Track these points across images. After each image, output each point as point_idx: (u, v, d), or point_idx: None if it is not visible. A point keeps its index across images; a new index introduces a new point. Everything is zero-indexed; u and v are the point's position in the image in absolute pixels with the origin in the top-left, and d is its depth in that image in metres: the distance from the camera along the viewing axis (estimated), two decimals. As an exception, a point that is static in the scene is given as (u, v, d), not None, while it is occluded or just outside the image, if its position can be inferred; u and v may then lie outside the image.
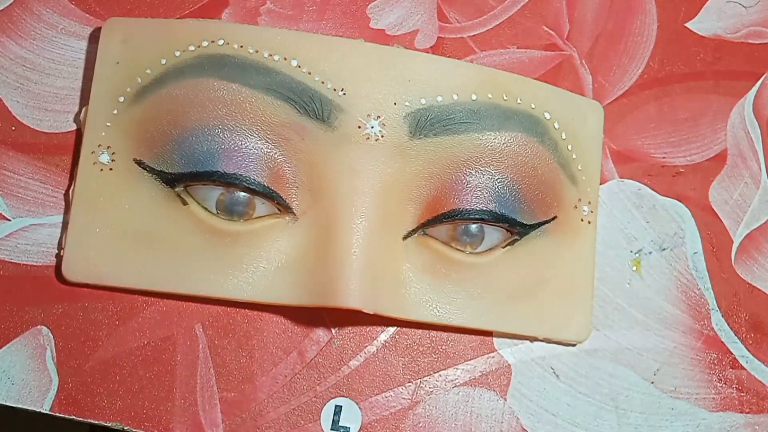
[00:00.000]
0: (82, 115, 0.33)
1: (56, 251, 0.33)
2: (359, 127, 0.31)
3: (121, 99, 0.32)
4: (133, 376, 0.32)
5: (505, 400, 0.34)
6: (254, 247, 0.32)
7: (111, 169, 0.32)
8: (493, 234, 0.32)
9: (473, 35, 0.37)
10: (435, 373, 0.34)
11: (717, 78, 0.38)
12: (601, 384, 0.34)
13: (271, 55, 0.31)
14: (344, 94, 0.31)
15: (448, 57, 0.35)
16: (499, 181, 0.32)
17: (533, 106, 0.32)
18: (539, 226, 0.33)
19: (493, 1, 0.37)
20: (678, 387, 0.35)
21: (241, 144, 0.31)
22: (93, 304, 0.33)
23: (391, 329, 0.34)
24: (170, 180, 0.31)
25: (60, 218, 0.33)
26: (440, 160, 0.31)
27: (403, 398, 0.33)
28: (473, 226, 0.32)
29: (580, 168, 0.34)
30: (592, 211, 0.34)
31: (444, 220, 0.32)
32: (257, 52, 0.31)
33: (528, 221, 0.32)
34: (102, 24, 0.33)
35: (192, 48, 0.31)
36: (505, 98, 0.32)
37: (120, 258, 0.32)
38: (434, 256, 0.32)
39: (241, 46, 0.31)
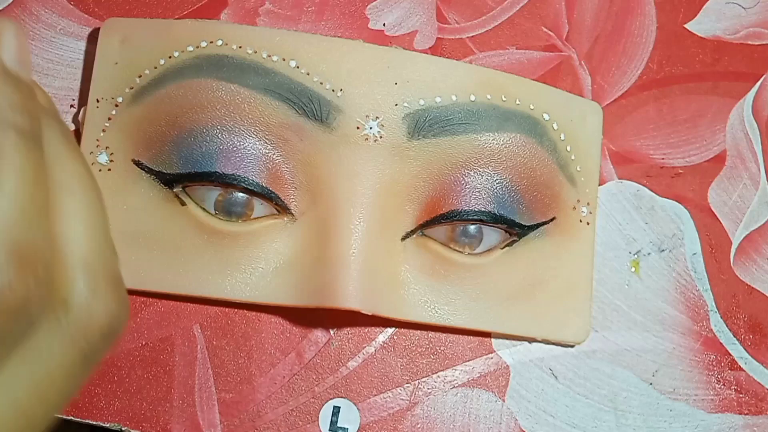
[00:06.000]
0: (80, 115, 0.33)
1: (54, 252, 0.33)
2: (358, 127, 0.31)
3: (120, 99, 0.31)
4: (131, 376, 0.32)
5: (504, 401, 0.34)
6: (253, 248, 0.31)
7: (109, 169, 0.32)
8: (492, 235, 0.32)
9: (472, 36, 0.37)
10: (433, 374, 0.34)
11: (716, 79, 0.38)
12: (599, 385, 0.34)
13: (269, 56, 0.31)
14: (343, 94, 0.31)
15: (447, 58, 0.35)
16: (497, 182, 0.32)
17: (532, 107, 0.32)
18: (538, 227, 0.33)
19: (492, 2, 0.37)
20: (677, 388, 0.35)
21: (240, 145, 0.31)
22: (91, 304, 0.33)
23: (390, 330, 0.34)
24: (168, 180, 0.31)
25: (58, 219, 0.33)
26: (439, 160, 0.31)
27: (402, 399, 0.33)
28: (472, 227, 0.32)
29: (578, 169, 0.34)
30: (590, 212, 0.34)
31: (442, 221, 0.32)
32: (256, 52, 0.31)
33: (526, 222, 0.32)
34: (100, 24, 0.33)
35: (190, 48, 0.31)
36: (503, 99, 0.32)
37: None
38: (433, 257, 0.32)
39: (240, 47, 0.31)
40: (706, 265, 0.36)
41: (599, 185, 0.35)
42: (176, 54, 0.31)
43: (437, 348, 0.34)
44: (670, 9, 0.38)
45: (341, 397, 0.33)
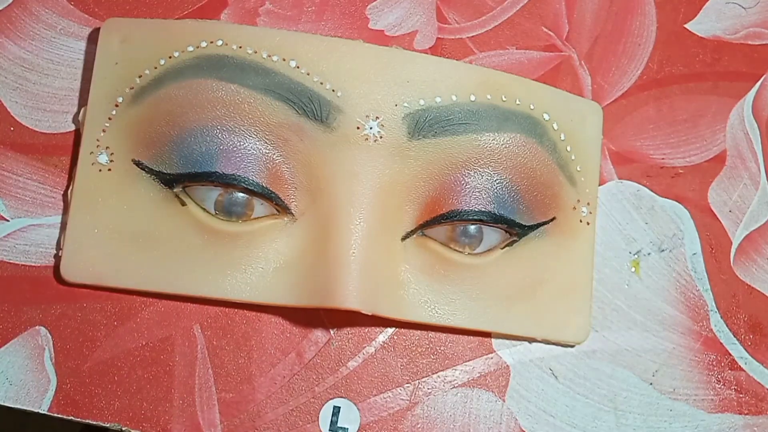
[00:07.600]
0: (80, 115, 0.33)
1: (55, 252, 0.33)
2: (358, 128, 0.31)
3: (120, 99, 0.32)
4: (131, 376, 0.32)
5: (504, 401, 0.34)
6: (253, 248, 0.32)
7: (110, 169, 0.32)
8: (492, 235, 0.32)
9: (472, 36, 0.37)
10: (433, 374, 0.34)
11: (716, 79, 0.38)
12: (599, 385, 0.34)
13: (269, 56, 0.31)
14: (343, 94, 0.31)
15: (447, 58, 0.35)
16: (497, 182, 0.32)
17: (532, 107, 0.32)
18: (538, 227, 0.33)
19: (492, 2, 0.37)
20: (677, 388, 0.35)
21: (240, 145, 0.31)
22: (91, 304, 0.33)
23: (390, 330, 0.34)
24: (169, 181, 0.31)
25: (58, 219, 0.33)
26: (439, 161, 0.31)
27: (402, 399, 0.33)
28: (472, 227, 0.32)
29: (579, 169, 0.34)
30: (590, 212, 0.34)
31: (443, 221, 0.32)
32: (256, 52, 0.31)
33: (527, 222, 0.32)
34: (101, 24, 0.33)
35: (191, 49, 0.31)
36: (503, 99, 0.32)
37: (118, 259, 0.32)
38: (433, 257, 0.32)
39: (240, 47, 0.31)
40: (706, 265, 0.36)
41: (599, 185, 0.35)
42: (176, 54, 0.31)
43: (437, 348, 0.34)
44: (670, 9, 0.38)
45: (341, 397, 0.33)
